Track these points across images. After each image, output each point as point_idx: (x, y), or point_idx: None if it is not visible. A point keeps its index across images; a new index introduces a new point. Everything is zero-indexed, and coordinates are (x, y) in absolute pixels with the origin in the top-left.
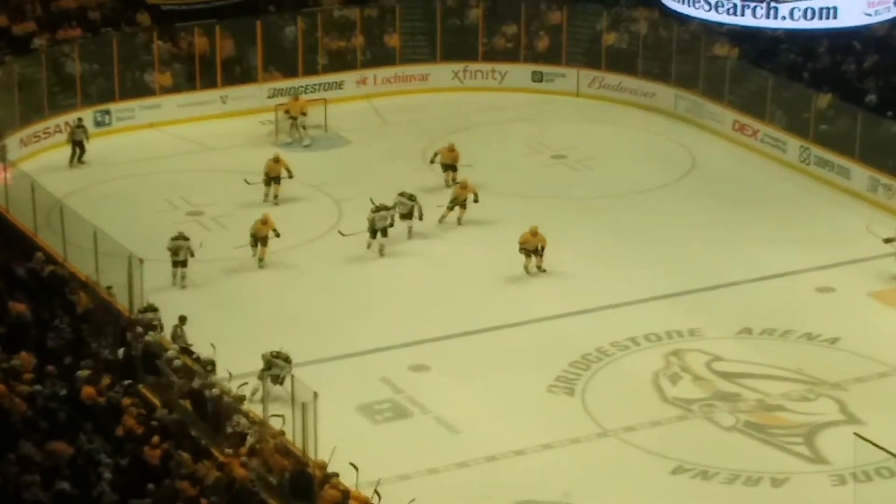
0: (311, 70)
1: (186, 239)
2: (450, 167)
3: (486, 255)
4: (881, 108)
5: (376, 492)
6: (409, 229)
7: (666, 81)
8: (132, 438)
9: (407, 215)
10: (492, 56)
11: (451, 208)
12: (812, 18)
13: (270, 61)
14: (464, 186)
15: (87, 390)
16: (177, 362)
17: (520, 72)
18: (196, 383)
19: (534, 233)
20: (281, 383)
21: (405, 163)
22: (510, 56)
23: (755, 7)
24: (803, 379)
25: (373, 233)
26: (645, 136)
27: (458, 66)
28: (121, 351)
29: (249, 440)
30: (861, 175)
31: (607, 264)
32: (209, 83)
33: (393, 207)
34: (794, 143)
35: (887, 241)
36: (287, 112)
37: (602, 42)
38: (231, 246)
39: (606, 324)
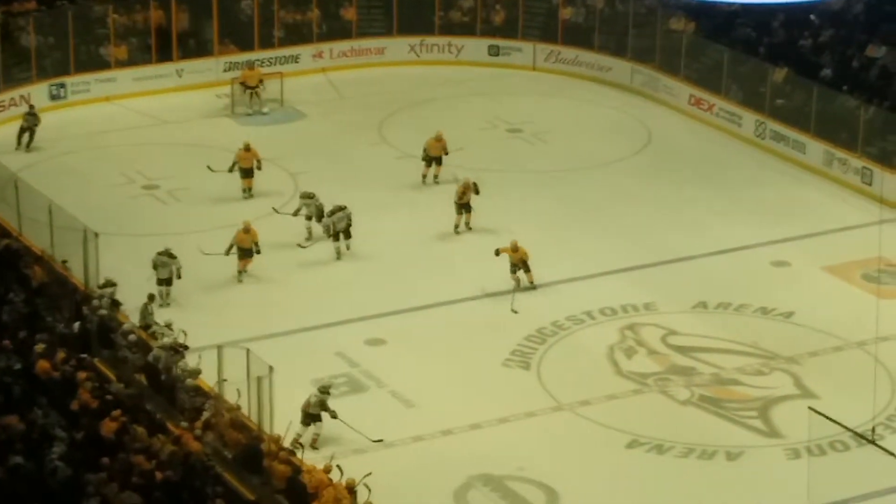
0: (267, 43)
1: (173, 257)
2: (434, 160)
3: (441, 231)
4: (836, 83)
5: (338, 466)
6: (309, 231)
7: (622, 55)
8: (87, 412)
9: (310, 217)
10: (448, 30)
11: (460, 213)
12: None
13: (226, 34)
14: (467, 187)
15: (42, 364)
16: (132, 337)
17: (476, 46)
18: (151, 357)
19: (514, 248)
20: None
21: (361, 136)
22: (466, 30)
23: None
24: (758, 353)
25: (335, 236)
26: (601, 110)
27: (415, 40)
28: (76, 325)
29: (205, 414)
30: (816, 149)
31: (563, 239)
32: (165, 56)
33: (345, 208)
34: (749, 118)
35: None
36: (243, 83)
37: (559, 16)
38: (195, 234)
39: (562, 298)
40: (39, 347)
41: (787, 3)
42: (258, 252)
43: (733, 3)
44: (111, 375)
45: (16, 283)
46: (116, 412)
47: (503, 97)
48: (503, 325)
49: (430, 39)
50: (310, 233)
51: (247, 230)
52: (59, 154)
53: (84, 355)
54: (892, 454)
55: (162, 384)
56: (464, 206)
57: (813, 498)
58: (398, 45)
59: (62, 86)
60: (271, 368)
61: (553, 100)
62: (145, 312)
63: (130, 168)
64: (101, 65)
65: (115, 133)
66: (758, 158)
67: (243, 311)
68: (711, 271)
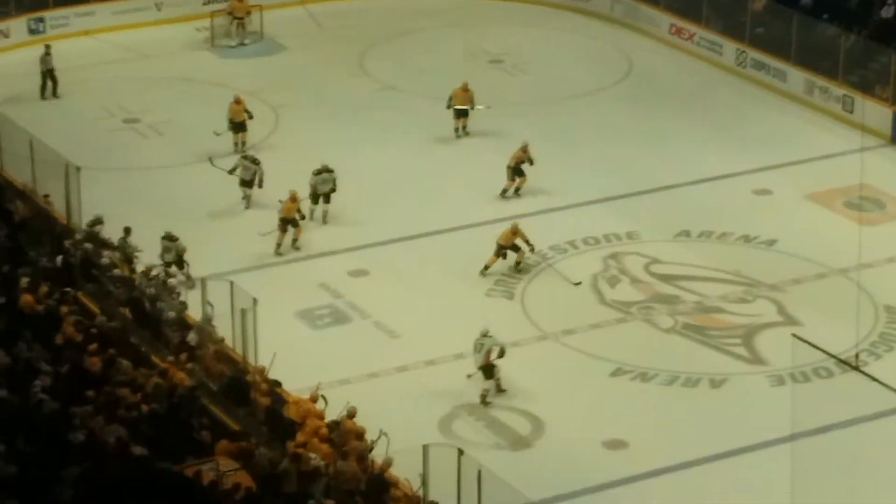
0: None
1: (174, 240)
2: (462, 113)
3: (425, 162)
4: (816, 11)
5: (322, 397)
6: (248, 199)
7: None
8: (71, 346)
9: (248, 182)
10: None
11: (512, 179)
12: None
13: None
14: (524, 150)
15: (26, 298)
16: (116, 272)
17: None
18: (136, 292)
19: (514, 231)
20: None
21: (342, 69)
22: None
23: None
24: (741, 281)
25: (314, 198)
26: (581, 39)
27: None
28: (59, 259)
29: (191, 336)
30: (797, 78)
31: (545, 169)
32: None
33: (332, 171)
34: (730, 47)
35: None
36: (231, 13)
37: None
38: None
39: (544, 228)
40: (23, 282)
41: None
42: (302, 218)
43: None
44: (95, 309)
45: None
46: (96, 346)
47: (483, 28)
48: (486, 256)
49: None
50: (246, 199)
51: (293, 199)
52: (39, 88)
53: (67, 289)
54: (875, 380)
55: (146, 318)
56: (515, 171)
57: (797, 424)
58: None
59: (41, 20)
60: (255, 300)
61: (533, 30)
62: (124, 245)
63: (111, 102)
64: None
65: (95, 67)
66: (739, 87)
67: (227, 242)
68: (694, 200)
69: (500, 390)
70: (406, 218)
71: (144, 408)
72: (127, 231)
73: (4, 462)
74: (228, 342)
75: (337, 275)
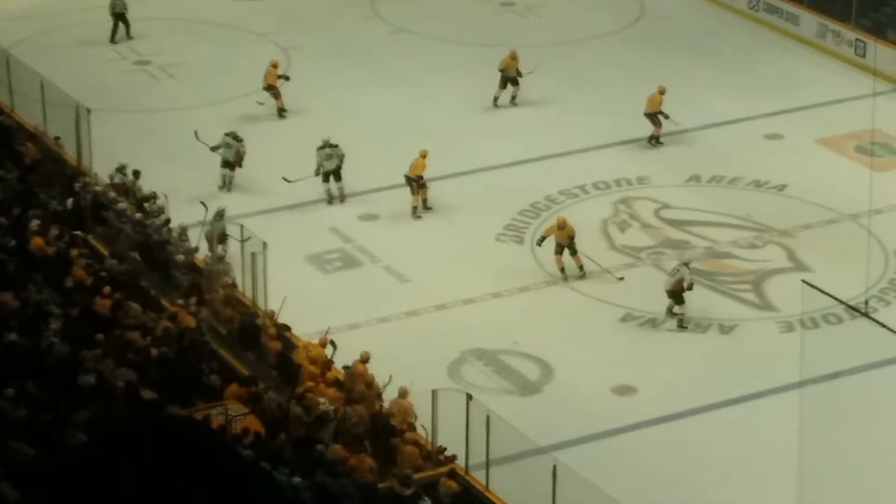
0: None
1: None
2: (510, 80)
3: (432, 105)
4: None
5: (332, 341)
6: (229, 181)
7: None
8: (82, 289)
9: (230, 164)
10: None
11: (503, 86)
12: None
13: None
14: (513, 57)
15: (36, 241)
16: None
17: None
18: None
19: (561, 225)
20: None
21: (354, 10)
22: None
23: None
24: (751, 226)
25: (325, 176)
26: None
27: None
28: (69, 202)
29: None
30: (810, 21)
31: (556, 113)
32: None
33: (336, 146)
34: None
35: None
36: None
37: None
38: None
39: (554, 172)
40: (34, 224)
41: None
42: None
43: None
44: (105, 252)
45: (9, 160)
46: (108, 289)
47: None
48: (496, 200)
49: None
50: (224, 182)
51: (423, 156)
52: (50, 30)
53: (78, 232)
54: (884, 326)
55: (156, 261)
56: (509, 80)
57: (806, 370)
58: None
59: None
60: (265, 244)
61: None
62: (134, 188)
63: (122, 44)
64: None
65: (106, 9)
66: (751, 31)
67: (237, 187)
68: (704, 144)
69: (682, 327)
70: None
71: (154, 351)
72: (136, 174)
73: (15, 406)
74: (238, 286)
75: (347, 219)
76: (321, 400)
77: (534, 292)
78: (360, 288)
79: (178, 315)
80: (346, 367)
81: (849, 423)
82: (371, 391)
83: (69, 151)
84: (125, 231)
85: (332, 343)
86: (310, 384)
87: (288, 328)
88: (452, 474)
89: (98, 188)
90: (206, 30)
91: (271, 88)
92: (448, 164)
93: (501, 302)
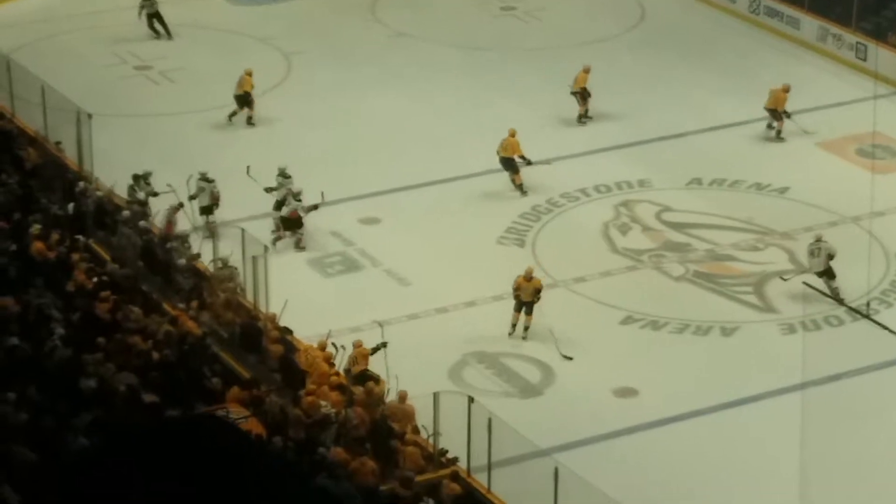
0: None
1: (210, 181)
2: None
3: (434, 109)
4: None
5: (334, 345)
6: (214, 227)
7: None
8: (83, 293)
9: (208, 208)
10: None
11: (582, 103)
12: None
13: None
14: (586, 71)
15: (37, 245)
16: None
17: None
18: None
19: (528, 276)
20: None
21: (354, 15)
22: None
23: None
24: (753, 228)
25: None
26: None
27: None
28: (70, 206)
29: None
30: (811, 25)
31: (557, 116)
32: None
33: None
34: None
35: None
36: None
37: None
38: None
39: (556, 175)
40: (35, 229)
41: None
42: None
43: None
44: (106, 256)
45: (10, 164)
46: (108, 293)
47: None
48: (498, 203)
49: None
50: (209, 229)
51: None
52: (51, 35)
53: (79, 237)
54: (886, 328)
55: (157, 265)
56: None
57: (807, 372)
58: None
59: None
60: (266, 248)
61: None
62: (132, 193)
63: (122, 48)
64: None
65: (107, 13)
66: (752, 35)
67: (239, 189)
68: (706, 147)
69: (838, 299)
70: (417, 165)
71: (156, 355)
72: (136, 178)
73: (16, 410)
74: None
75: (348, 222)
76: (322, 403)
77: None
78: (362, 291)
79: (180, 319)
80: (346, 371)
81: (850, 424)
82: (374, 391)
83: (70, 156)
84: (127, 235)
85: (335, 346)
86: (312, 387)
87: (289, 331)
88: (454, 476)
89: (99, 193)
90: (207, 35)
91: (246, 96)
92: (449, 167)
93: (502, 304)
